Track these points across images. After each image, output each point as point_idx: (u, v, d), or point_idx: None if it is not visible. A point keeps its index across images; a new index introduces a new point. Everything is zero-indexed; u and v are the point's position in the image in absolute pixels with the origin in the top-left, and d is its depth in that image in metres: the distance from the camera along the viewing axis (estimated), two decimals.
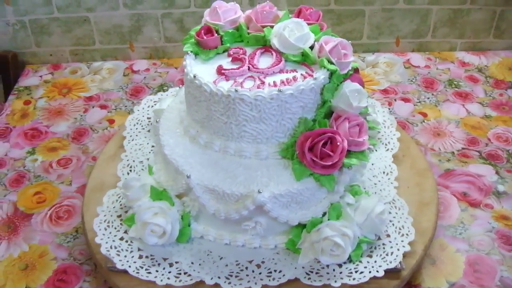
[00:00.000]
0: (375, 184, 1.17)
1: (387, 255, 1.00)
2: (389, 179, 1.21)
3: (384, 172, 1.21)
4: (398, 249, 1.01)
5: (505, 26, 1.68)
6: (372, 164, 1.24)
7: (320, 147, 0.98)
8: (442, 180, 1.31)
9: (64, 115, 1.52)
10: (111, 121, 1.49)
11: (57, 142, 1.43)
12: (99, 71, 1.70)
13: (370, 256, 1.00)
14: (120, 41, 1.76)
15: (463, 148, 1.40)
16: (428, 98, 1.52)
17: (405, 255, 1.00)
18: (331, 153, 0.95)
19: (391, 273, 0.98)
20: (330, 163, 0.96)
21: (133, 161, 1.26)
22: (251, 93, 0.93)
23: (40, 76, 1.68)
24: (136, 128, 1.36)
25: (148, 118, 1.37)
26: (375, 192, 1.17)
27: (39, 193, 1.27)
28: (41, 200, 1.25)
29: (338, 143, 0.98)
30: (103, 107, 1.53)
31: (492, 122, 1.44)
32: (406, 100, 1.53)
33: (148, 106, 1.43)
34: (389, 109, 1.44)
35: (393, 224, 1.07)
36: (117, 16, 1.64)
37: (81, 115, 1.51)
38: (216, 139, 1.01)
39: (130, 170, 1.24)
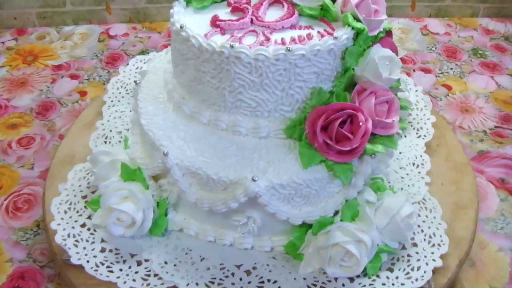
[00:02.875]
0: (402, 178, 1.00)
1: (412, 270, 0.84)
2: (419, 172, 1.01)
3: (413, 164, 1.03)
4: (427, 264, 0.85)
5: None
6: (400, 153, 1.03)
7: (336, 127, 0.79)
8: (475, 164, 1.14)
9: (28, 87, 1.36)
10: (83, 93, 1.33)
11: (19, 118, 1.27)
12: (70, 36, 1.55)
13: (391, 271, 0.84)
14: (95, 2, 1.57)
15: (496, 127, 1.26)
16: (452, 68, 1.43)
17: (435, 271, 0.84)
18: (350, 136, 0.79)
19: None
20: (348, 148, 0.78)
21: (110, 131, 1.08)
22: (251, 51, 0.76)
23: (2, 43, 1.52)
24: (120, 93, 1.17)
25: (135, 81, 1.15)
26: (402, 188, 0.98)
27: None
28: None
29: (361, 123, 0.77)
30: (73, 77, 1.38)
31: None
32: (426, 70, 1.42)
33: (137, 68, 1.21)
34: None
35: (422, 231, 0.90)
36: None
37: (48, 87, 1.35)
38: (205, 108, 0.85)
39: (105, 142, 1.06)
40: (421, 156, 1.04)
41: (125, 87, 1.18)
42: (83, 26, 1.58)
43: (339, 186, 0.83)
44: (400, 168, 1.01)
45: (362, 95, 0.83)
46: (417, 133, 1.09)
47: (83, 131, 1.11)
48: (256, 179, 0.77)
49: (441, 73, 1.41)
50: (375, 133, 0.82)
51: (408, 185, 0.98)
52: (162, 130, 0.85)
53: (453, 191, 0.99)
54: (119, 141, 1.05)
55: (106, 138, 1.06)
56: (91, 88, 1.35)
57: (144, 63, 1.23)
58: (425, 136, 1.09)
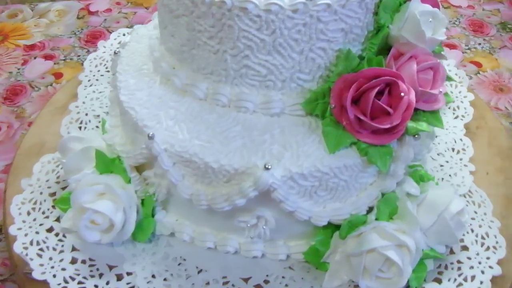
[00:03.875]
0: (441, 166, 0.86)
1: (465, 280, 0.71)
2: (461, 159, 0.87)
3: (453, 150, 0.88)
4: (483, 272, 0.71)
5: None
6: (436, 137, 0.87)
7: (372, 99, 0.62)
8: None
9: None
10: (58, 75, 1.23)
11: None
12: (45, 14, 1.44)
13: (439, 282, 0.71)
14: None
15: None
16: (480, 44, 1.35)
17: (493, 281, 0.70)
18: (390, 110, 0.63)
19: None
20: (387, 125, 0.64)
21: (86, 114, 0.93)
22: (260, 1, 0.61)
23: None
24: (98, 71, 1.02)
25: (114, 51, 0.99)
26: (442, 179, 0.83)
27: None
28: None
29: (402, 94, 0.63)
30: (48, 57, 1.30)
31: None
32: (451, 46, 1.33)
33: (119, 42, 1.04)
34: None
35: (472, 230, 0.76)
36: None
37: (19, 69, 1.26)
38: (201, 79, 0.69)
39: (80, 128, 0.91)
40: (461, 140, 0.90)
41: (105, 64, 1.03)
42: (60, 2, 1.48)
43: (373, 176, 0.68)
44: (438, 154, 0.87)
45: (400, 61, 0.68)
46: (453, 113, 0.95)
47: (54, 117, 0.96)
48: (269, 166, 0.60)
49: (468, 49, 1.33)
50: (417, 108, 0.67)
51: (450, 175, 0.83)
52: (147, 107, 0.69)
53: (501, 181, 0.85)
54: (97, 127, 0.89)
55: (81, 123, 0.91)
56: (67, 70, 1.26)
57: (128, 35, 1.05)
58: (463, 116, 0.95)
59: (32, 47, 1.32)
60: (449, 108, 0.95)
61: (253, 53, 0.63)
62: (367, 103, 0.62)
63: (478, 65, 1.27)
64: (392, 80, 0.63)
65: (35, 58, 1.28)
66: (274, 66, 0.64)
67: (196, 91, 0.68)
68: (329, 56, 0.65)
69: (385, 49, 0.69)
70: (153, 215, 0.73)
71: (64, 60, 1.27)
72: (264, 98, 0.66)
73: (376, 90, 0.62)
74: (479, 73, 1.24)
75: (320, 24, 0.62)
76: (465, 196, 0.80)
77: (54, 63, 1.26)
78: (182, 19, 0.66)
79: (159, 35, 0.76)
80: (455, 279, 0.69)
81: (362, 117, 0.62)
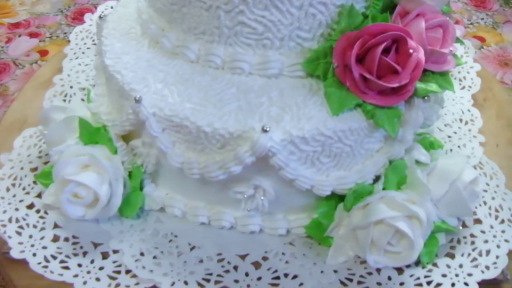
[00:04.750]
0: (449, 137, 0.81)
1: (479, 255, 0.66)
2: (469, 130, 0.82)
3: (461, 120, 0.84)
4: (498, 246, 0.66)
5: None
6: (443, 107, 0.81)
7: (378, 56, 0.57)
8: None
9: None
10: (44, 53, 1.21)
11: None
12: None
13: (452, 257, 0.66)
14: None
15: None
16: (482, 19, 1.32)
17: (510, 255, 0.66)
18: (398, 67, 0.57)
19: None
20: (395, 84, 0.58)
21: (71, 87, 0.87)
22: None
23: None
24: (85, 43, 0.96)
25: (100, 16, 0.93)
26: (451, 150, 0.78)
27: None
28: None
29: (411, 51, 0.57)
30: (33, 35, 1.27)
31: None
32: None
33: (113, 11, 0.97)
34: None
35: (484, 203, 0.71)
36: None
37: (2, 47, 1.23)
38: (192, 40, 0.64)
39: (65, 101, 0.85)
40: (468, 110, 0.86)
41: (91, 37, 0.97)
42: None
43: (380, 141, 0.62)
44: (445, 125, 0.82)
45: (407, 19, 0.62)
46: (460, 83, 0.90)
47: (38, 91, 0.90)
48: (267, 129, 0.54)
49: (471, 23, 1.31)
50: (426, 69, 0.62)
51: (459, 146, 0.79)
52: (134, 71, 0.64)
53: (511, 153, 0.80)
54: (82, 100, 0.83)
55: (65, 96, 0.86)
56: (53, 47, 1.23)
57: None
58: (470, 87, 0.90)
59: (16, 25, 1.27)
60: (455, 78, 0.90)
61: (248, 8, 0.58)
62: (373, 60, 0.57)
63: (482, 39, 1.24)
64: (399, 36, 0.57)
65: (19, 36, 1.23)
66: (272, 22, 0.59)
67: (187, 53, 0.63)
68: (331, 12, 0.60)
69: (390, 7, 0.63)
70: (141, 189, 0.68)
71: (50, 37, 1.23)
72: (260, 59, 0.61)
73: (382, 46, 0.57)
74: (482, 48, 1.21)
75: None
76: (476, 168, 0.75)
77: (40, 41, 1.22)
78: None
79: None
80: (469, 254, 0.65)
81: (368, 76, 0.57)
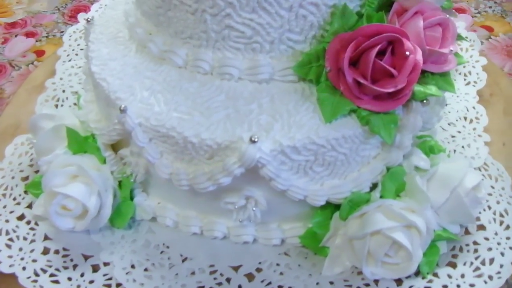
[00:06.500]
0: (452, 137, 0.78)
1: (482, 264, 0.63)
2: (474, 129, 0.79)
3: (465, 119, 0.80)
4: (502, 254, 0.64)
5: None
6: (447, 105, 0.79)
7: (372, 59, 0.54)
8: None
9: None
10: (40, 53, 1.17)
11: None
12: None
13: (453, 266, 0.63)
14: None
15: None
16: (491, 7, 1.27)
17: None
18: (393, 71, 0.55)
19: None
20: (391, 89, 0.56)
21: (63, 91, 0.86)
22: None
23: None
24: (78, 44, 0.94)
25: (87, 19, 0.92)
26: (454, 151, 0.75)
27: None
28: None
29: (407, 53, 0.54)
30: (30, 35, 1.23)
31: None
32: (460, 10, 1.26)
33: (101, 14, 0.95)
34: None
35: (489, 207, 0.69)
36: None
37: None
38: (179, 44, 0.61)
39: (57, 106, 0.83)
40: (473, 108, 0.82)
41: (84, 28, 0.93)
42: None
43: (377, 147, 0.60)
44: (449, 124, 0.79)
45: (404, 17, 0.59)
46: (465, 79, 0.86)
47: (31, 95, 0.89)
48: (256, 139, 0.52)
49: (478, 12, 1.25)
50: (424, 70, 0.59)
51: (463, 146, 0.76)
52: (120, 78, 0.61)
53: None
54: (75, 104, 0.81)
55: (57, 100, 0.84)
56: (50, 47, 1.19)
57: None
58: (475, 82, 0.87)
59: (13, 25, 1.24)
60: (459, 73, 0.87)
61: (235, 11, 0.55)
62: (367, 64, 0.54)
63: (490, 29, 1.19)
64: (395, 37, 0.54)
65: (16, 36, 1.21)
66: (260, 25, 0.56)
67: (175, 58, 0.60)
68: (323, 12, 0.57)
69: (386, 5, 0.60)
70: (131, 198, 0.66)
71: (46, 37, 1.20)
72: (250, 63, 0.58)
73: (377, 49, 0.54)
74: (490, 38, 1.17)
75: None
76: (480, 170, 0.72)
77: (36, 41, 1.19)
78: None
79: None
80: (472, 263, 0.62)
81: (362, 81, 0.54)
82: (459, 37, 0.67)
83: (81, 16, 0.99)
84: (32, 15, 1.26)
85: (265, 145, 0.53)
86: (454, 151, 0.74)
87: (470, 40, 0.91)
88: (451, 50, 0.60)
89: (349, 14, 0.57)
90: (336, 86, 0.56)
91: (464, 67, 0.87)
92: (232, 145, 0.54)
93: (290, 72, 0.58)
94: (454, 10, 0.67)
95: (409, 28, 0.58)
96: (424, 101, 0.57)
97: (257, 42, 0.57)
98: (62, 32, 1.19)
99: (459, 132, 0.77)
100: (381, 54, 0.55)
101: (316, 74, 0.57)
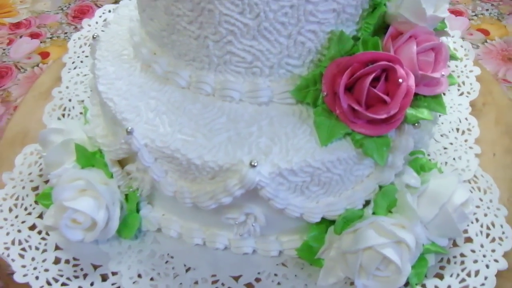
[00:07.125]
0: (445, 149, 0.80)
1: (468, 276, 0.66)
2: (466, 141, 0.81)
3: (457, 130, 0.83)
4: (488, 266, 0.66)
5: None
6: (439, 116, 0.82)
7: (367, 86, 0.57)
8: None
9: None
10: (45, 55, 1.20)
11: None
12: None
13: (441, 277, 0.66)
14: None
15: None
16: (487, 10, 1.29)
17: (499, 275, 0.66)
18: (386, 98, 0.58)
19: None
20: (384, 115, 0.58)
21: (69, 100, 0.87)
22: None
23: None
24: (83, 51, 0.96)
25: (93, 36, 0.93)
26: (446, 163, 0.78)
27: None
28: None
29: (400, 80, 0.57)
30: (34, 36, 1.25)
31: None
32: (457, 13, 1.30)
33: (104, 20, 0.98)
34: None
35: (476, 220, 0.71)
36: None
37: (4, 49, 1.22)
38: (183, 66, 0.64)
39: (63, 115, 0.86)
40: (466, 119, 0.84)
41: (89, 44, 0.95)
42: None
43: (370, 167, 0.62)
44: (442, 135, 0.81)
45: (398, 41, 0.62)
46: (458, 90, 0.88)
47: (38, 102, 0.91)
48: (255, 163, 0.55)
49: (475, 15, 1.28)
50: (417, 93, 0.61)
51: (454, 158, 0.78)
52: (126, 98, 0.64)
53: (509, 162, 0.80)
54: (81, 113, 0.83)
55: (64, 109, 0.86)
56: (54, 48, 1.22)
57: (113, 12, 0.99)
58: (468, 93, 0.88)
59: (17, 25, 1.27)
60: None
61: (236, 39, 0.58)
62: (362, 91, 0.57)
63: (486, 33, 1.21)
64: (389, 66, 0.57)
65: (21, 37, 1.23)
66: (260, 51, 0.58)
67: (178, 79, 0.63)
68: (320, 39, 0.59)
69: (382, 28, 0.62)
70: (138, 211, 0.69)
71: (50, 38, 1.22)
72: (250, 86, 0.61)
73: (371, 77, 0.56)
74: (486, 42, 1.18)
75: (309, 5, 0.56)
76: (470, 182, 0.74)
77: (41, 42, 1.21)
78: (160, 2, 0.60)
79: (139, 17, 0.70)
80: (458, 275, 0.65)
81: (356, 107, 0.57)
82: (452, 57, 0.70)
83: (85, 22, 1.01)
84: (36, 15, 1.28)
85: (264, 169, 0.56)
86: (446, 163, 0.76)
87: (465, 49, 0.93)
88: (443, 75, 0.62)
89: (346, 40, 0.59)
90: (332, 110, 0.59)
91: (458, 77, 0.89)
92: (233, 168, 0.57)
93: (288, 96, 0.61)
94: (446, 30, 0.70)
95: (403, 54, 0.61)
96: (416, 124, 0.60)
97: (257, 67, 0.60)
98: (66, 33, 1.22)
99: (451, 143, 0.79)
100: (375, 80, 0.58)
101: (313, 98, 0.60)
